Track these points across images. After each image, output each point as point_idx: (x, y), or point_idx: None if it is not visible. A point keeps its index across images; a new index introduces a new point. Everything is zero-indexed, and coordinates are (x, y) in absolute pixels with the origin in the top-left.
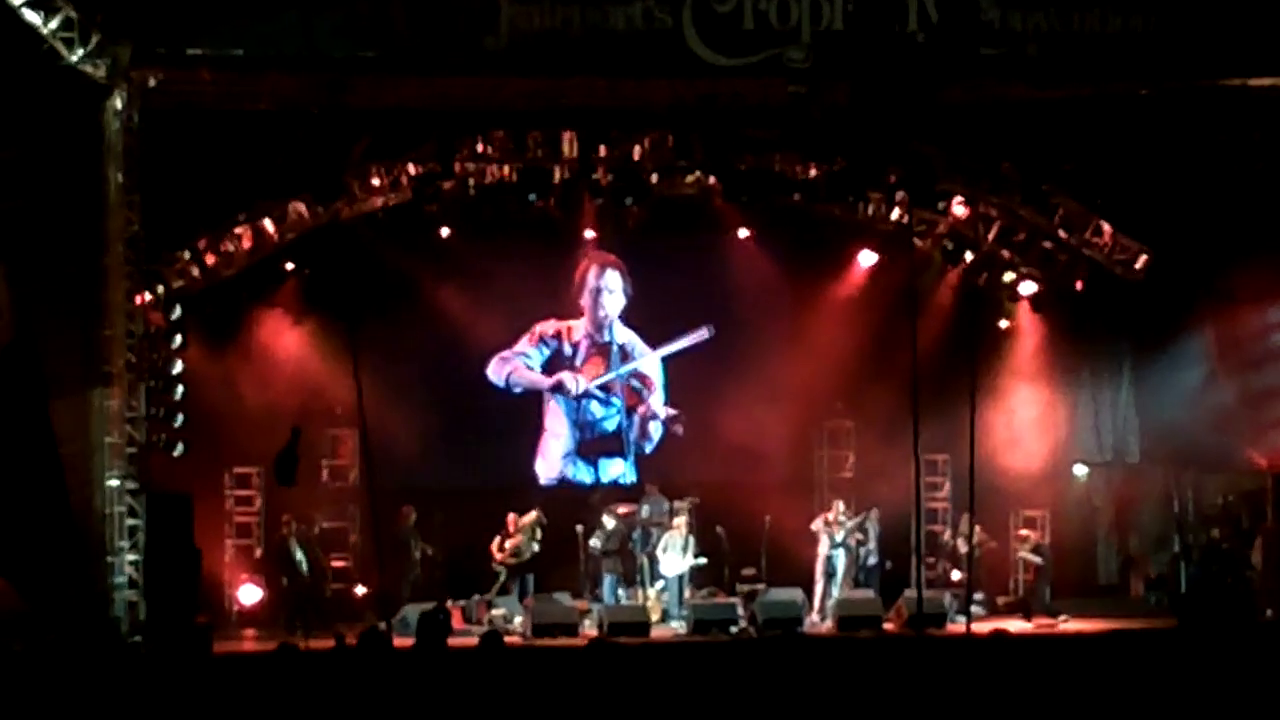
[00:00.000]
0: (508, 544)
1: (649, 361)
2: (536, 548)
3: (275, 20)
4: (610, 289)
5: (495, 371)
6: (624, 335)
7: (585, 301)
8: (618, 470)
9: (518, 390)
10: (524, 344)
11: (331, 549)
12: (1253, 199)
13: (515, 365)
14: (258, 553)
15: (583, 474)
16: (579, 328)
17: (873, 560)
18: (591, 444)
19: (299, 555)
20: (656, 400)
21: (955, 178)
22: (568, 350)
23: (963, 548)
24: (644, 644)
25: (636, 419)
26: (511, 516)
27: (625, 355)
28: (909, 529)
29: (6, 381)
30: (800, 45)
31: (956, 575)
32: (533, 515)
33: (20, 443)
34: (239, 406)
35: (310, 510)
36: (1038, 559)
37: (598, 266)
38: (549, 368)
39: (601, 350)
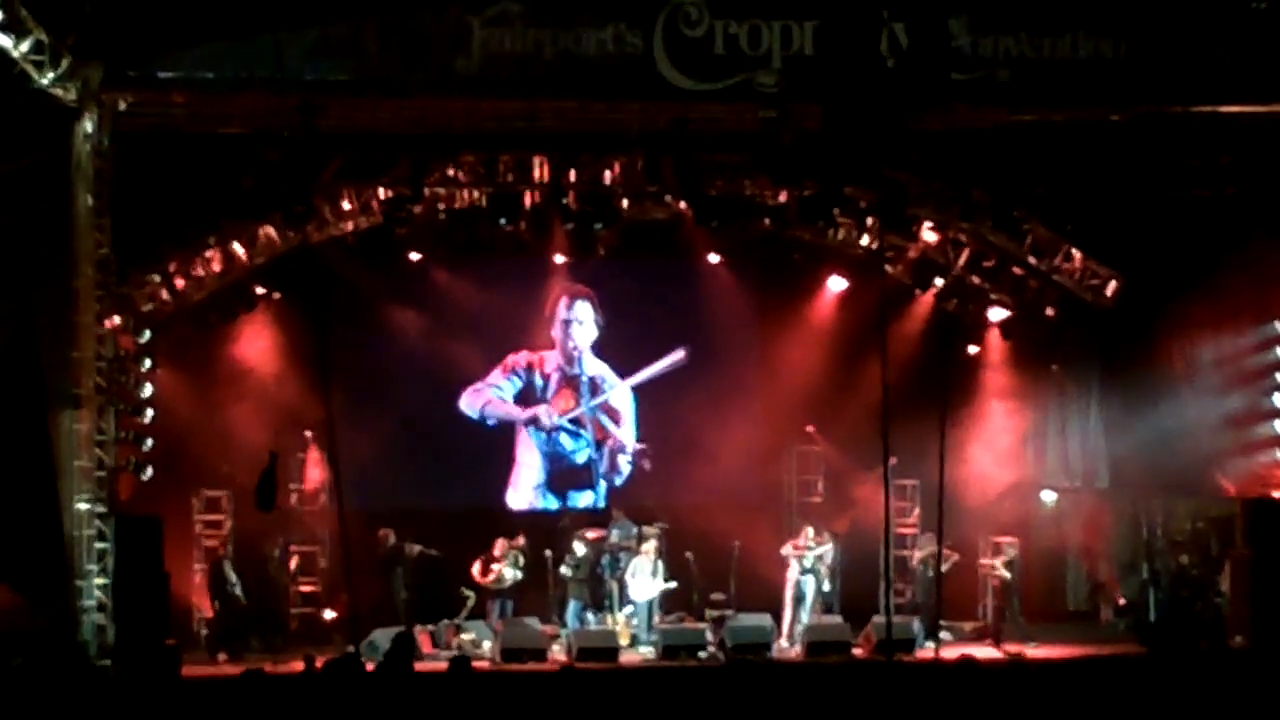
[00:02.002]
0: (493, 568)
1: (619, 394)
2: (519, 574)
3: (247, 43)
4: (580, 321)
5: (468, 403)
6: (594, 367)
7: (555, 333)
8: (587, 502)
9: (491, 422)
10: (496, 375)
11: (300, 573)
12: (1222, 224)
13: (489, 397)
14: None
15: (552, 505)
16: (550, 359)
17: (826, 586)
18: (562, 476)
19: (233, 578)
20: (625, 434)
21: (926, 203)
22: (539, 382)
23: (916, 563)
24: (613, 669)
25: (606, 452)
26: (500, 542)
27: (595, 387)
28: (878, 554)
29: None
30: (771, 70)
31: (907, 593)
32: (520, 541)
33: (16, 453)
34: (208, 430)
35: (276, 532)
36: (1007, 574)
37: (568, 298)
38: (520, 399)
39: (571, 382)
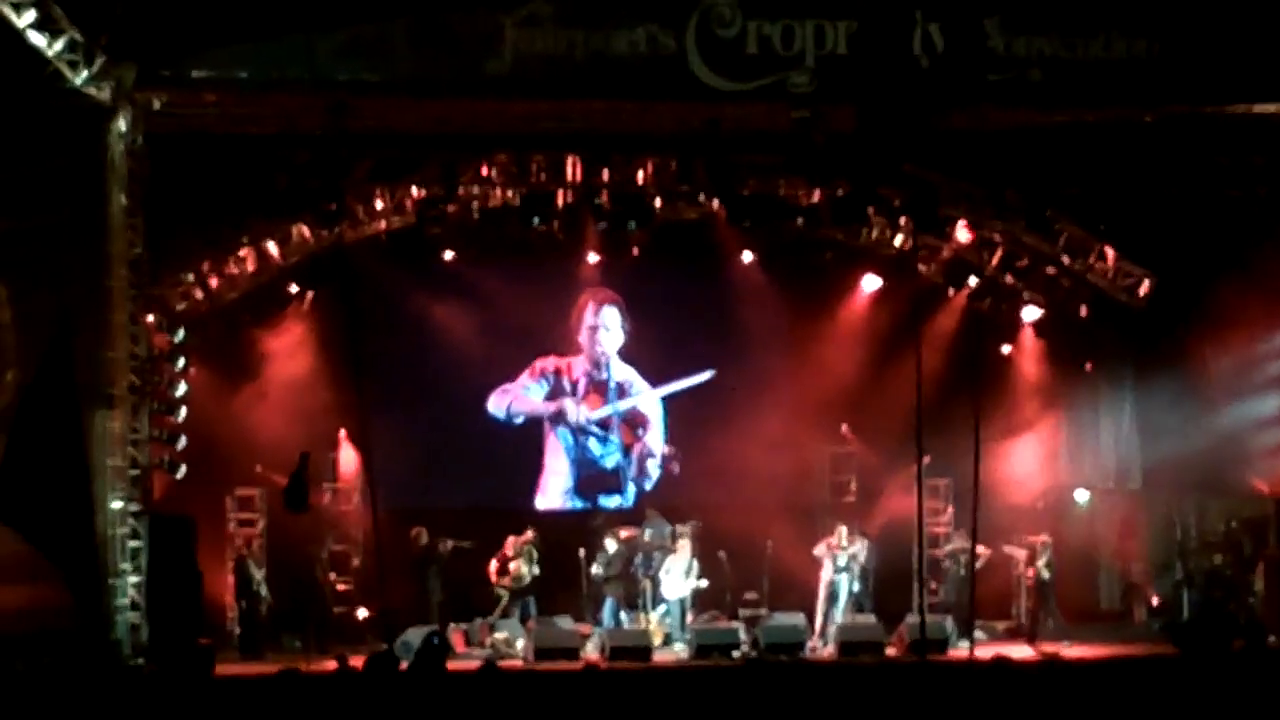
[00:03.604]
0: (510, 567)
1: (647, 399)
2: (537, 570)
3: (279, 43)
4: (608, 327)
5: (496, 404)
6: (622, 373)
7: (583, 339)
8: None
9: (519, 420)
10: (524, 378)
11: (334, 572)
12: (1255, 224)
13: (515, 395)
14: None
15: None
16: (578, 364)
17: (859, 586)
18: (591, 481)
19: (257, 577)
20: (654, 438)
21: (959, 203)
22: (566, 386)
23: (943, 556)
24: (646, 668)
25: (634, 457)
26: (510, 540)
27: (623, 392)
28: (911, 553)
29: (44, 393)
30: (804, 70)
31: (940, 593)
32: (529, 536)
33: (52, 455)
34: (241, 429)
35: (309, 531)
36: (1046, 574)
37: (595, 304)
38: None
39: (599, 387)
